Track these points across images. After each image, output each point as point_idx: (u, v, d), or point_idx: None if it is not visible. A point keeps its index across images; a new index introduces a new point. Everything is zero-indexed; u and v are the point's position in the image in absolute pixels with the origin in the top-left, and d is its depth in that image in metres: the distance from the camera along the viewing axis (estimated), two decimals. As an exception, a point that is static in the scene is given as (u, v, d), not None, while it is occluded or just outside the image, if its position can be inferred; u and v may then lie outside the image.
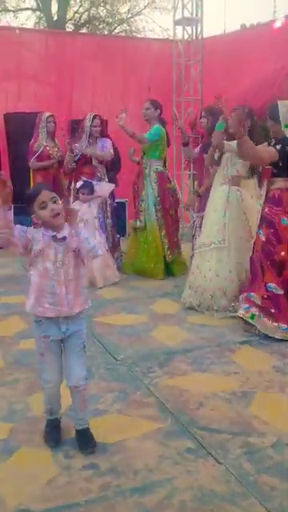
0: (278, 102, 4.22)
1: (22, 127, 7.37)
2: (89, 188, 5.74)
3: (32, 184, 6.66)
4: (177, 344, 4.05)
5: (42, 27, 19.87)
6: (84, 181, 5.82)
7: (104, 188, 5.90)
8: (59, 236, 2.47)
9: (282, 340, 4.05)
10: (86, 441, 2.65)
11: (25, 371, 3.52)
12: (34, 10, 20.86)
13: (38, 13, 20.83)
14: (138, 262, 6.17)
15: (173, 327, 4.43)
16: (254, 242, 4.38)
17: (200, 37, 9.41)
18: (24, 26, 17.04)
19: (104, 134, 6.27)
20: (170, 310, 4.88)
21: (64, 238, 2.47)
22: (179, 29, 9.51)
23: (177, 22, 9.48)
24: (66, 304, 2.51)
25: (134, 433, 2.78)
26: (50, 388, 2.68)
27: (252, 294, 4.21)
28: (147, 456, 2.56)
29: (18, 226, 2.45)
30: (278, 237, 4.18)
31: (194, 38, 9.51)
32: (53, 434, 2.73)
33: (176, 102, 9.34)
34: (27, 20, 20.71)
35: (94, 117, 6.09)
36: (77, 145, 6.04)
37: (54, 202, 2.45)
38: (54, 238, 2.47)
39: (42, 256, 2.48)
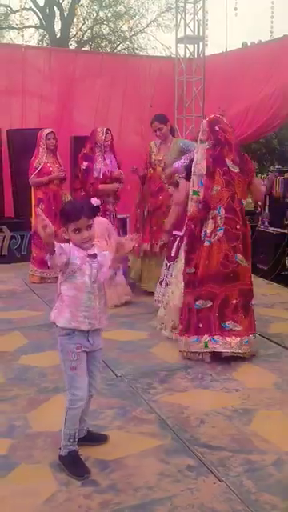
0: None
1: (24, 143, 7.42)
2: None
3: (33, 200, 6.67)
4: (177, 360, 4.04)
5: (45, 44, 20.10)
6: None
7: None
8: (90, 253, 2.55)
9: (279, 357, 4.09)
10: (99, 435, 2.88)
11: (25, 387, 3.51)
12: (37, 28, 21.14)
13: (41, 30, 21.11)
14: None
15: (173, 343, 4.42)
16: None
17: (202, 55, 9.52)
18: (28, 44, 17.22)
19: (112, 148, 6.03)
20: (171, 326, 4.86)
21: (95, 255, 2.55)
22: (181, 47, 9.61)
23: (179, 40, 9.59)
24: (98, 317, 2.59)
25: (134, 450, 2.77)
26: (79, 408, 2.59)
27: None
28: (147, 473, 2.55)
29: (58, 244, 2.47)
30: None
31: (196, 55, 9.63)
32: (80, 464, 2.61)
33: (177, 119, 9.42)
34: (31, 37, 21.01)
35: (107, 131, 5.84)
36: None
37: (89, 228, 2.49)
38: (88, 254, 2.55)
39: (80, 271, 2.52)
